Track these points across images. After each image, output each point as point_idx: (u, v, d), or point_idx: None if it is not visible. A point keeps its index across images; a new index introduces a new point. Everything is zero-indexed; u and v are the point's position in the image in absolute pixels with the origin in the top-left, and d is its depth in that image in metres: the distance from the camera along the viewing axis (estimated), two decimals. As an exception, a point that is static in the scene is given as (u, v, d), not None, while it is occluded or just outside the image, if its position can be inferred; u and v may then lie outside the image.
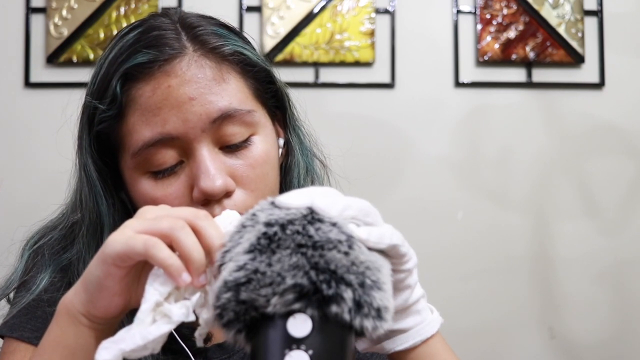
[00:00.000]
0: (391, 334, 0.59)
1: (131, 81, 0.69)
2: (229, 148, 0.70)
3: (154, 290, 0.51)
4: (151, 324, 0.50)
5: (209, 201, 0.68)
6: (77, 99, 0.79)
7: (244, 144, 0.70)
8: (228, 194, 0.68)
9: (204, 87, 0.68)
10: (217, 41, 0.72)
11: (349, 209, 0.50)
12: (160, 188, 0.69)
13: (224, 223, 0.55)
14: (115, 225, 0.70)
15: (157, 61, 0.68)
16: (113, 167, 0.74)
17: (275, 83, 0.78)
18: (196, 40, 0.71)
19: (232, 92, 0.70)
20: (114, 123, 0.70)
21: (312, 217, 0.48)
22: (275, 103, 0.79)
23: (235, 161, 0.70)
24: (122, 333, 0.50)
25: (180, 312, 0.50)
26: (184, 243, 0.51)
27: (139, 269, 0.54)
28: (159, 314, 0.50)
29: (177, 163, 0.69)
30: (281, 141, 0.79)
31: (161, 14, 0.76)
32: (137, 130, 0.68)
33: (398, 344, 0.59)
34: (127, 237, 0.52)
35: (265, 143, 0.72)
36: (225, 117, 0.68)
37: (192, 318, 0.51)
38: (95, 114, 0.71)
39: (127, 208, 0.75)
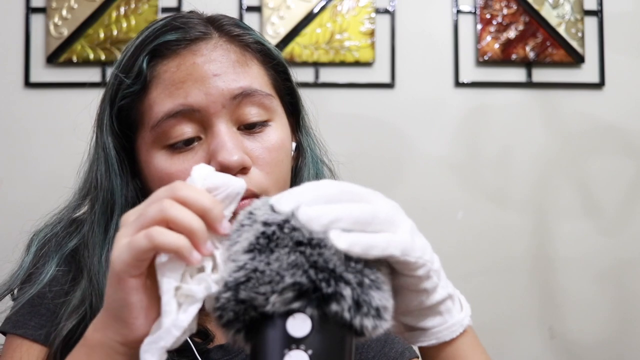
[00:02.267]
0: (411, 328, 0.58)
1: (158, 57, 0.71)
2: (247, 129, 0.71)
3: (167, 280, 0.50)
4: (178, 311, 0.49)
5: None
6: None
7: (261, 127, 0.72)
8: (244, 170, 0.69)
9: (227, 67, 0.71)
10: (241, 31, 0.75)
11: (339, 222, 0.47)
12: (177, 163, 0.69)
13: (199, 181, 0.54)
14: (126, 206, 0.71)
15: (185, 40, 0.71)
16: (129, 152, 0.75)
17: (291, 81, 0.81)
18: (221, 29, 0.74)
19: (253, 75, 0.73)
20: (136, 99, 0.72)
21: None
22: (291, 100, 0.81)
23: (252, 143, 0.71)
24: (156, 330, 0.50)
25: (201, 287, 0.49)
26: (180, 218, 0.50)
27: (152, 273, 0.52)
28: (181, 297, 0.50)
29: (194, 137, 0.70)
30: (293, 145, 0.80)
31: (187, 12, 0.79)
32: (159, 103, 0.70)
33: (416, 340, 0.59)
34: (126, 243, 0.50)
35: (281, 131, 0.74)
36: (246, 95, 0.70)
37: (215, 288, 0.49)
38: (120, 90, 0.73)
39: (138, 194, 0.75)
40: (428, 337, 0.58)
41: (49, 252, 0.77)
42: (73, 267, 0.76)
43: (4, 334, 0.75)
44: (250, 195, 0.68)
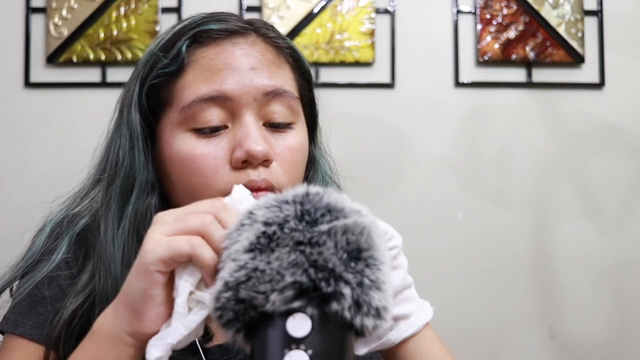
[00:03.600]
0: (395, 319, 0.61)
1: (197, 43, 0.74)
2: (271, 127, 0.73)
3: (184, 282, 0.52)
4: (188, 314, 0.52)
5: (246, 165, 0.70)
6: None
7: (284, 127, 0.74)
8: (266, 163, 0.71)
9: (264, 64, 0.73)
10: (276, 35, 0.79)
11: None
12: (201, 146, 0.71)
13: (237, 203, 0.56)
14: (145, 185, 0.73)
15: (227, 30, 0.74)
16: (151, 133, 0.76)
17: (314, 93, 0.83)
18: (259, 30, 0.77)
19: (286, 78, 0.76)
20: (170, 79, 0.73)
21: (309, 215, 0.48)
22: (311, 111, 0.83)
23: (275, 141, 0.73)
24: (164, 329, 0.52)
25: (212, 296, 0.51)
26: (217, 238, 0.52)
27: (171, 275, 0.55)
28: (192, 302, 0.52)
29: (221, 125, 0.71)
30: None
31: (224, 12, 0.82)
32: (193, 85, 0.71)
33: (403, 332, 0.61)
34: (166, 241, 0.53)
35: (302, 136, 0.76)
36: (277, 94, 0.73)
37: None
38: (154, 68, 0.74)
39: (156, 177, 0.76)
40: (415, 323, 0.62)
41: (61, 232, 0.78)
42: (81, 253, 0.77)
43: (2, 333, 0.75)
44: (269, 187, 0.70)
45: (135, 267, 0.54)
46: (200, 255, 0.52)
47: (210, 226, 0.53)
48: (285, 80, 0.75)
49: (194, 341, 0.74)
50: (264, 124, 0.73)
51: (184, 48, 0.73)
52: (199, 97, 0.71)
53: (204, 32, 0.74)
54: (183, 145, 0.71)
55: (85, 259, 0.76)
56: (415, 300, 0.63)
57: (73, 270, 0.76)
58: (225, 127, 0.72)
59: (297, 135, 0.75)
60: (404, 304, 0.62)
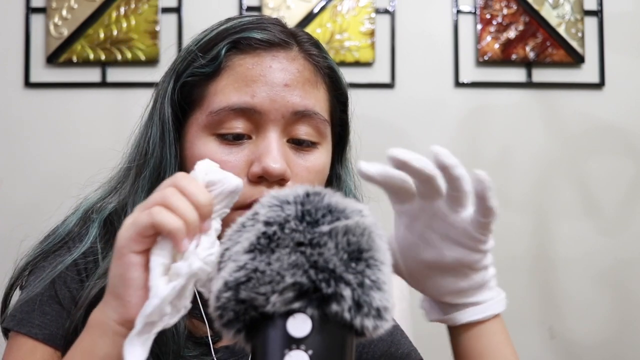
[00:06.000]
0: (463, 307, 0.65)
1: (237, 50, 0.73)
2: (295, 144, 0.73)
3: (155, 257, 0.53)
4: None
5: (261, 181, 0.70)
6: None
7: (308, 146, 0.74)
8: (282, 182, 0.71)
9: (299, 82, 0.73)
10: (318, 52, 0.78)
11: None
12: (222, 153, 0.71)
13: (200, 175, 0.56)
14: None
15: (268, 41, 0.73)
16: (179, 128, 0.76)
17: (347, 114, 0.83)
18: (302, 45, 0.77)
19: (319, 98, 0.75)
20: (204, 80, 0.74)
21: (309, 215, 0.48)
22: (340, 131, 0.83)
23: (296, 159, 0.73)
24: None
25: (185, 264, 0.52)
26: (178, 206, 0.53)
27: None
28: (172, 276, 0.52)
29: (245, 134, 0.72)
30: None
31: (272, 17, 0.81)
32: (226, 93, 0.72)
33: (470, 315, 0.64)
34: (131, 221, 0.54)
35: (325, 157, 0.76)
36: (306, 115, 0.73)
37: (197, 265, 0.52)
38: (190, 66, 0.75)
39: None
40: (484, 310, 0.65)
41: (91, 215, 0.79)
42: (106, 238, 0.76)
43: (8, 330, 0.74)
44: None
45: (113, 255, 0.55)
46: (160, 221, 0.52)
47: (171, 197, 0.53)
48: (317, 101, 0.75)
49: (205, 340, 0.74)
50: (288, 140, 0.73)
51: (222, 52, 0.73)
52: (229, 105, 0.71)
53: (245, 40, 0.73)
54: (205, 148, 0.72)
55: (110, 243, 0.76)
56: (492, 290, 0.67)
57: (89, 258, 0.75)
58: (249, 137, 0.72)
59: (319, 157, 0.75)
60: (480, 293, 0.66)
